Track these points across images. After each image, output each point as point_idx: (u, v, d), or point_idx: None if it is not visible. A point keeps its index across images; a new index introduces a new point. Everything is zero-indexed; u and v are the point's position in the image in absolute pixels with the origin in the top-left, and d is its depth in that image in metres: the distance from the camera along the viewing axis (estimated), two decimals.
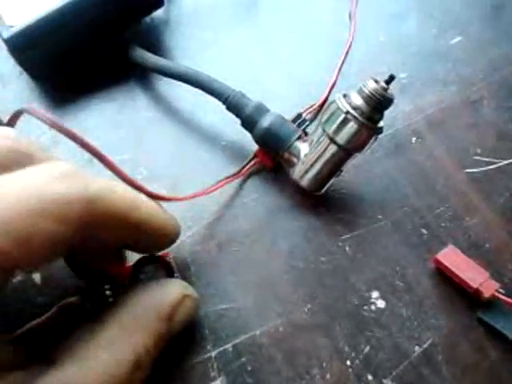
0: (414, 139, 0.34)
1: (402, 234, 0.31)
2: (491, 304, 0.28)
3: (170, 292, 0.25)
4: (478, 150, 0.33)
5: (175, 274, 0.28)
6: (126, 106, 0.34)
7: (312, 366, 0.27)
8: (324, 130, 0.29)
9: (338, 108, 0.28)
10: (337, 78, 0.33)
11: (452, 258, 0.29)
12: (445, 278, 0.29)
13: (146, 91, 0.35)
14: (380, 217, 0.31)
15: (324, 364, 0.27)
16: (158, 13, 0.37)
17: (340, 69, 0.33)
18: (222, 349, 0.27)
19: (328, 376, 0.27)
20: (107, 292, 0.26)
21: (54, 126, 0.22)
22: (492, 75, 0.36)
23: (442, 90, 0.36)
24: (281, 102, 0.33)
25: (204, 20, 0.38)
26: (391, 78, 0.28)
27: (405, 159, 0.33)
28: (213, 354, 0.27)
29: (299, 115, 0.33)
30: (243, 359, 0.27)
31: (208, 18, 0.38)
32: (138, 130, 0.33)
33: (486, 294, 0.28)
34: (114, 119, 0.33)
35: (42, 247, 0.19)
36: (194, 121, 0.34)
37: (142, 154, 0.32)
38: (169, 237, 0.25)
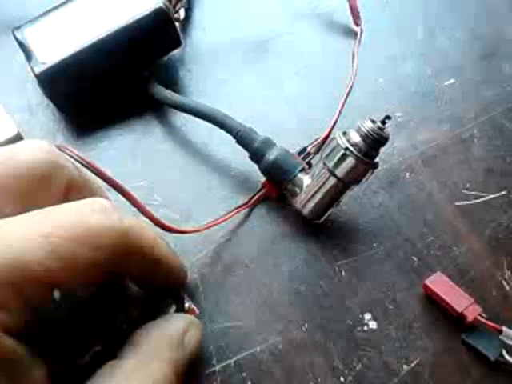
0: (407, 174, 0.36)
1: (394, 261, 0.33)
2: (475, 327, 0.31)
3: (177, 323, 0.26)
4: (467, 185, 0.36)
5: (188, 303, 0.29)
6: (143, 137, 0.37)
7: (308, 382, 0.30)
8: (325, 164, 0.32)
9: (338, 144, 0.31)
10: (338, 116, 0.36)
11: (440, 284, 0.32)
12: (432, 302, 0.32)
13: (163, 124, 0.38)
14: (374, 244, 0.34)
15: (319, 380, 0.30)
16: (176, 52, 0.40)
17: (341, 108, 0.36)
18: (225, 364, 0.30)
19: None
20: (124, 325, 0.27)
21: (81, 161, 0.25)
22: (482, 115, 0.39)
23: (435, 128, 0.38)
24: (287, 137, 0.36)
25: (218, 60, 0.41)
26: (387, 118, 0.31)
27: (399, 192, 0.36)
28: (217, 368, 0.30)
29: (304, 149, 0.36)
30: (244, 374, 0.30)
31: (222, 58, 0.41)
32: (154, 160, 0.36)
33: (470, 317, 0.30)
34: (131, 149, 0.36)
35: (83, 269, 0.22)
36: (206, 152, 0.37)
37: (157, 182, 0.35)
38: (181, 276, 0.28)
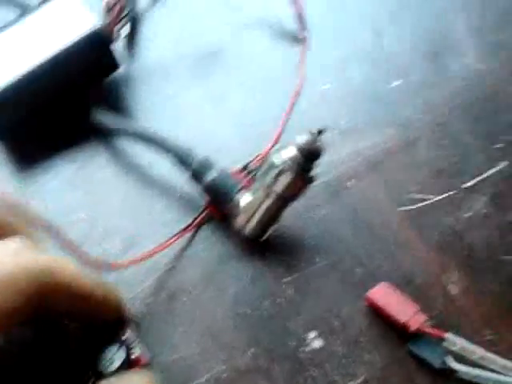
0: (351, 182, 0.36)
1: (337, 274, 0.33)
2: (420, 336, 0.30)
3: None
4: (414, 188, 0.35)
5: (136, 347, 0.28)
6: (85, 165, 0.37)
7: None
8: (261, 182, 0.32)
9: (273, 161, 0.31)
10: (282, 128, 0.36)
11: (383, 294, 0.31)
12: (378, 314, 0.31)
13: (106, 149, 0.37)
14: (317, 259, 0.33)
15: None
16: (122, 70, 0.40)
17: (286, 120, 0.36)
18: None
19: None
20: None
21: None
22: (429, 116, 0.38)
23: (381, 132, 0.38)
24: (233, 153, 0.36)
25: (165, 76, 0.41)
26: (322, 131, 0.31)
27: (342, 202, 0.35)
28: None
29: (246, 165, 0.35)
30: None
31: (169, 74, 0.41)
32: (96, 189, 0.36)
33: (413, 327, 0.30)
34: (72, 179, 0.36)
35: (6, 315, 0.22)
36: (149, 176, 0.37)
37: (100, 212, 0.35)
38: (112, 307, 0.28)
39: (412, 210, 0.35)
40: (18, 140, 0.38)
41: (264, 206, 0.32)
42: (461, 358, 0.29)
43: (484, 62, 0.41)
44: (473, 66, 0.40)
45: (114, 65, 0.38)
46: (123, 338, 0.28)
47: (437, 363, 0.29)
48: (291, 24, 0.42)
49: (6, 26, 0.37)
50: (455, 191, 0.35)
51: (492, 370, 0.28)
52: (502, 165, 0.36)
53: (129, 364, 0.27)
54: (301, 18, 0.42)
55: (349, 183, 0.36)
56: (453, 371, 0.29)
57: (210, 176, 0.33)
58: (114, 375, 0.26)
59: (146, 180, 0.37)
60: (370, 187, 0.36)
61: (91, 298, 0.26)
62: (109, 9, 0.38)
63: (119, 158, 0.37)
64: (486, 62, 0.41)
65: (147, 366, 0.28)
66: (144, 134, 0.35)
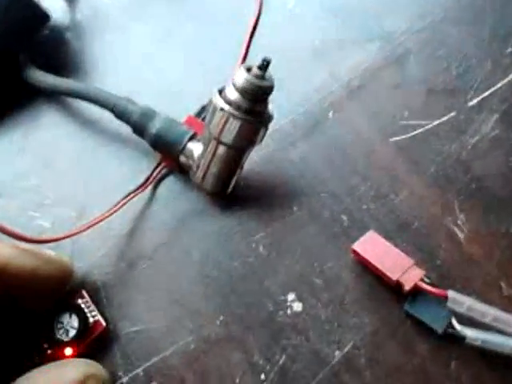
0: (330, 113, 0.28)
1: (319, 224, 0.26)
2: (418, 295, 0.23)
3: (69, 375, 0.21)
4: (405, 114, 0.27)
5: (92, 314, 0.25)
6: (31, 129, 0.30)
7: (225, 383, 0.24)
8: (209, 131, 0.24)
9: (214, 106, 0.24)
10: (244, 60, 0.28)
11: (371, 246, 0.24)
12: (366, 270, 0.24)
13: (50, 111, 0.31)
14: (295, 208, 0.26)
15: (237, 380, 0.24)
16: (56, 24, 0.33)
17: (246, 50, 0.28)
18: (133, 374, 0.24)
19: None
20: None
21: None
22: (418, 23, 0.29)
23: (361, 50, 0.29)
24: (188, 95, 0.29)
25: (103, 21, 0.33)
26: (266, 63, 0.23)
27: (321, 138, 0.28)
28: (124, 380, 0.24)
29: (203, 108, 0.28)
30: (154, 383, 0.24)
31: (104, 24, 0.33)
32: (44, 153, 0.30)
33: (407, 285, 0.23)
34: (20, 145, 0.30)
35: None
36: (99, 133, 0.30)
37: (49, 177, 0.29)
38: (57, 278, 0.24)
39: (404, 140, 0.27)
40: None
41: (217, 158, 0.25)
42: (469, 321, 0.22)
43: None
44: None
45: (43, 17, 0.31)
46: (74, 306, 0.25)
47: (439, 328, 0.23)
48: None
49: None
50: (457, 112, 0.27)
51: (508, 334, 0.21)
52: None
53: (84, 333, 0.24)
54: None
55: (329, 114, 0.28)
56: (459, 337, 0.22)
57: (154, 127, 0.26)
58: (49, 363, 0.22)
59: (96, 139, 0.30)
60: (352, 117, 0.28)
61: (30, 273, 0.23)
62: None
63: (65, 117, 0.31)
64: None
65: (104, 334, 0.25)
66: (75, 89, 0.28)
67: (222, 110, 0.23)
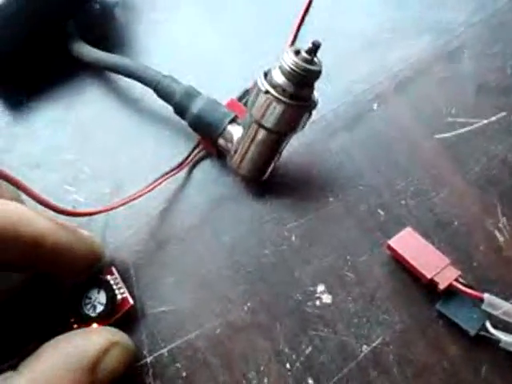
0: (375, 105, 0.28)
1: (354, 218, 0.26)
2: (453, 295, 0.23)
3: (94, 341, 0.22)
4: (453, 110, 0.27)
5: (120, 291, 0.25)
6: (73, 102, 0.31)
7: (249, 370, 0.24)
8: (251, 115, 0.24)
9: (259, 89, 0.24)
10: (293, 42, 0.28)
11: (407, 242, 0.24)
12: (400, 266, 0.24)
13: (93, 85, 0.31)
14: (331, 199, 0.26)
15: (262, 368, 0.24)
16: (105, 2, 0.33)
17: (296, 32, 0.28)
18: (157, 354, 0.25)
19: (266, 380, 0.23)
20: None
21: None
22: (475, 17, 0.29)
23: (413, 41, 0.29)
24: (231, 78, 0.29)
25: (149, 3, 0.33)
26: (315, 47, 0.23)
27: (364, 130, 0.27)
28: (148, 359, 0.25)
29: (246, 92, 0.28)
30: (178, 365, 0.24)
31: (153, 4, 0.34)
32: (85, 127, 0.30)
33: (442, 284, 0.23)
34: (61, 118, 0.31)
35: None
36: (140, 112, 0.30)
37: (88, 152, 0.29)
38: (90, 260, 0.24)
39: (450, 137, 0.26)
40: (3, 83, 0.32)
41: (256, 143, 0.25)
42: (504, 325, 0.22)
43: None
44: None
45: None
46: (103, 282, 0.25)
47: (472, 329, 0.22)
48: None
49: None
50: (508, 113, 0.26)
51: None
52: None
53: (112, 309, 0.25)
54: None
55: (373, 105, 0.28)
56: (492, 340, 0.22)
57: (195, 107, 0.27)
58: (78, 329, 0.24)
59: (136, 117, 0.30)
60: (397, 110, 0.27)
61: (57, 250, 0.22)
62: None
63: (108, 93, 0.31)
64: None
65: (131, 312, 0.25)
66: (120, 65, 0.29)
67: (266, 92, 0.23)
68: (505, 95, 0.27)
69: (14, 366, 0.21)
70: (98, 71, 0.31)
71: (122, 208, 0.26)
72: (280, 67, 0.23)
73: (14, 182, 0.22)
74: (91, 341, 0.22)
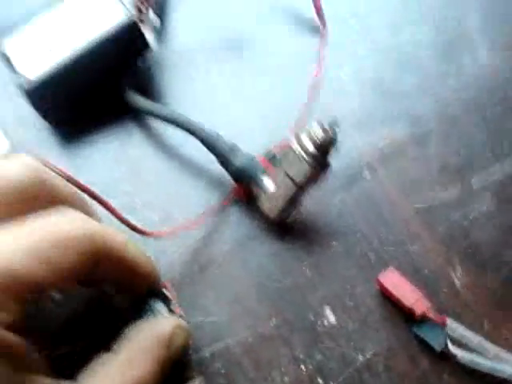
0: (366, 172, 0.37)
1: (352, 258, 0.35)
2: (425, 320, 0.32)
3: (166, 324, 0.28)
4: (424, 185, 0.37)
5: (172, 302, 0.30)
6: (124, 143, 0.37)
7: (273, 370, 0.32)
8: (283, 170, 0.33)
9: (294, 152, 0.32)
10: (304, 115, 0.37)
11: (391, 279, 0.33)
12: (386, 297, 0.33)
13: (142, 130, 0.38)
14: (334, 243, 0.35)
15: (283, 369, 0.32)
16: (152, 56, 0.40)
17: (306, 107, 0.37)
18: (200, 355, 0.32)
19: (286, 378, 0.31)
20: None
21: (61, 174, 0.27)
22: (439, 112, 0.39)
23: (393, 126, 0.39)
24: (255, 139, 0.37)
25: (190, 62, 0.41)
26: (335, 126, 0.32)
27: (357, 190, 0.37)
28: (193, 357, 0.32)
29: (269, 151, 0.36)
30: (218, 364, 0.32)
31: (193, 62, 0.41)
32: (135, 165, 0.37)
33: (418, 311, 0.32)
34: (114, 156, 0.37)
35: (67, 272, 0.23)
36: (183, 156, 0.37)
37: (139, 186, 0.36)
38: (152, 276, 0.29)
39: (422, 203, 0.36)
40: (64, 121, 0.38)
41: (286, 193, 0.33)
42: (460, 344, 0.31)
43: (495, 60, 0.42)
44: (485, 63, 0.42)
45: (145, 49, 0.38)
46: (162, 295, 0.30)
47: (438, 347, 0.32)
48: (312, 16, 0.42)
49: (43, 11, 0.37)
50: (463, 188, 0.37)
51: (487, 357, 0.31)
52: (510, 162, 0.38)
53: None
54: (320, 13, 0.42)
55: (365, 172, 0.37)
56: (452, 355, 0.31)
57: (238, 161, 0.34)
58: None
59: (179, 160, 0.37)
60: (383, 179, 0.37)
61: (135, 266, 0.28)
62: None
63: (155, 138, 0.38)
64: (498, 60, 0.42)
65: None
66: (174, 118, 0.36)
67: (298, 155, 0.32)
68: (460, 174, 0.37)
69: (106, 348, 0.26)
70: (145, 119, 0.38)
71: (168, 236, 0.33)
72: (308, 134, 0.32)
73: (103, 202, 0.28)
74: (163, 323, 0.28)
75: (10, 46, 0.35)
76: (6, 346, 0.22)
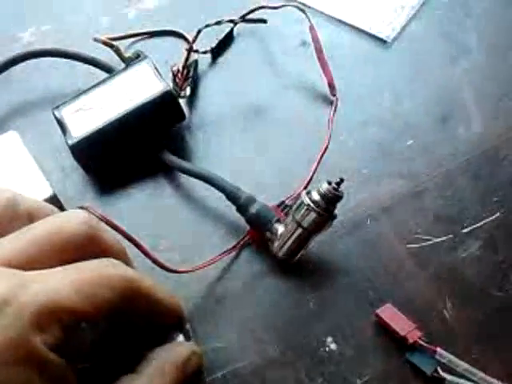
0: (368, 221, 0.42)
1: (353, 294, 0.39)
2: (417, 348, 0.36)
3: (182, 350, 0.31)
4: (419, 230, 0.42)
5: (191, 334, 0.33)
6: (154, 195, 0.44)
7: None
8: (293, 217, 0.38)
9: (303, 202, 0.38)
10: (313, 173, 0.43)
11: (388, 313, 0.37)
12: (383, 328, 0.37)
13: (171, 184, 0.45)
14: (337, 280, 0.40)
15: None
16: (185, 122, 0.47)
17: (316, 166, 0.43)
18: (213, 377, 0.36)
19: None
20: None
21: (102, 219, 0.32)
22: (435, 171, 0.45)
23: (393, 182, 0.44)
24: (271, 191, 0.43)
25: (216, 129, 0.48)
26: (341, 182, 0.37)
27: (360, 237, 0.42)
28: (206, 380, 0.36)
29: (283, 202, 0.42)
30: None
31: (219, 127, 0.48)
32: (162, 213, 0.43)
33: (410, 340, 0.36)
34: (144, 205, 0.44)
35: (100, 306, 0.27)
36: (204, 206, 0.44)
37: (164, 231, 0.42)
38: (177, 312, 0.32)
39: (417, 248, 0.41)
40: (102, 174, 0.45)
41: (294, 236, 0.39)
42: (449, 369, 0.35)
43: (486, 126, 0.47)
44: (477, 129, 0.47)
45: (180, 116, 0.46)
46: (183, 329, 0.33)
47: (429, 371, 0.35)
48: (323, 88, 0.49)
49: (96, 86, 0.46)
50: (454, 235, 0.41)
51: (474, 381, 0.34)
52: (496, 215, 0.42)
53: None
54: (330, 84, 0.49)
55: (367, 221, 0.42)
56: (442, 379, 0.35)
57: (254, 209, 0.40)
58: None
59: (201, 209, 0.44)
60: (383, 226, 0.42)
61: (162, 303, 0.32)
62: (175, 74, 0.48)
63: (181, 191, 0.45)
64: (488, 126, 0.47)
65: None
66: (204, 174, 0.43)
67: (307, 205, 0.37)
68: (452, 223, 0.42)
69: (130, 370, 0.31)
70: (173, 175, 0.45)
71: (188, 274, 0.38)
72: (318, 190, 0.37)
73: (139, 245, 0.34)
74: (181, 349, 0.31)
75: (66, 113, 0.44)
76: (51, 365, 0.26)
